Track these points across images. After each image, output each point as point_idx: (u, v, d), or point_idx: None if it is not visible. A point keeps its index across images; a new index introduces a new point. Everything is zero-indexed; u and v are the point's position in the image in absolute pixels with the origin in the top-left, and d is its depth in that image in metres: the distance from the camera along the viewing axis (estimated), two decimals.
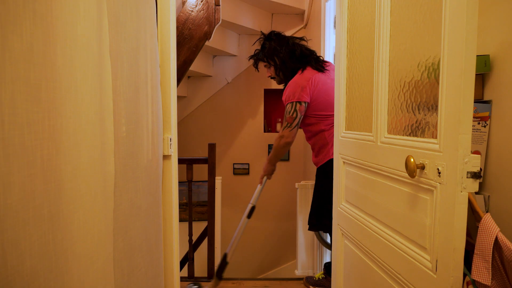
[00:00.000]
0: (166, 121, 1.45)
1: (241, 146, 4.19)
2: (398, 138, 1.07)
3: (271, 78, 2.17)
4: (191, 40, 2.50)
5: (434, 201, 0.88)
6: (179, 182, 1.56)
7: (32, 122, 0.63)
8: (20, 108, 0.61)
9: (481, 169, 1.15)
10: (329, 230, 2.07)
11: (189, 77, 4.02)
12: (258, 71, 2.27)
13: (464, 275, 0.92)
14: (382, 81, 1.14)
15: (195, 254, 2.46)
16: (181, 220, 1.97)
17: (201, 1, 2.49)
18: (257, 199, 2.22)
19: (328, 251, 2.51)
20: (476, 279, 0.89)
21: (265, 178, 2.22)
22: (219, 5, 2.52)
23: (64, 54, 0.72)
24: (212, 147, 2.35)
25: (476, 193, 1.14)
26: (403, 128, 1.05)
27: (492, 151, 1.14)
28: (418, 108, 0.98)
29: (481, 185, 1.17)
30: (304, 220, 2.48)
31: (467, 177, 0.79)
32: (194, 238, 2.49)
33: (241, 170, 4.20)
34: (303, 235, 2.53)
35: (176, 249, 1.52)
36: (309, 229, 2.13)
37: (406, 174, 0.96)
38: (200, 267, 2.84)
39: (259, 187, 2.23)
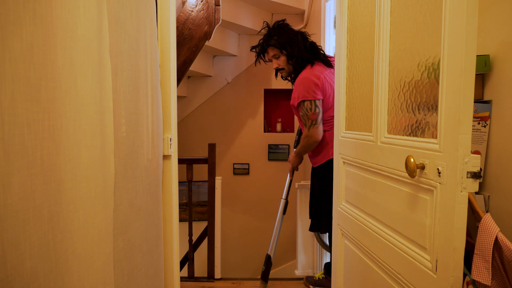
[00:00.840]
0: (166, 121, 1.45)
1: (241, 146, 4.19)
2: (398, 138, 1.07)
3: (279, 70, 2.05)
4: (191, 40, 2.50)
5: (434, 201, 0.88)
6: (179, 182, 1.56)
7: (32, 122, 0.63)
8: (20, 108, 0.61)
9: (481, 169, 1.15)
10: (327, 231, 2.07)
11: (189, 77, 4.02)
12: (260, 63, 2.14)
13: (464, 275, 0.92)
14: (382, 81, 1.14)
15: (195, 254, 2.46)
16: (181, 220, 1.96)
17: (201, 1, 2.49)
18: (289, 193, 2.26)
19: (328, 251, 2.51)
20: (476, 279, 0.89)
21: (293, 170, 2.22)
22: (219, 5, 2.52)
23: (64, 54, 0.72)
24: (212, 147, 2.35)
25: (476, 193, 1.14)
26: (403, 128, 1.05)
27: (492, 151, 1.14)
28: (418, 108, 0.98)
29: (481, 185, 1.17)
30: (304, 220, 2.48)
31: (467, 177, 0.79)
32: (194, 238, 2.49)
33: (241, 170, 4.20)
34: (303, 235, 2.53)
35: (176, 249, 1.52)
36: (310, 229, 2.13)
37: (406, 174, 0.96)
38: (200, 267, 2.84)
39: (289, 179, 2.24)
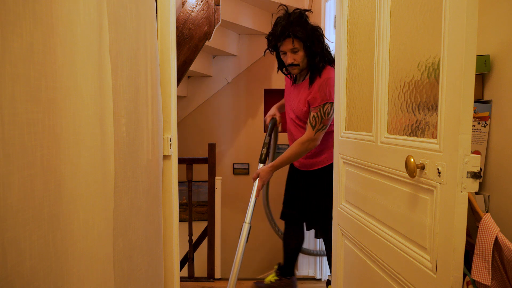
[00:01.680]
0: (166, 121, 1.45)
1: (241, 146, 4.18)
2: (398, 138, 1.07)
3: (292, 65, 1.81)
4: (191, 40, 2.50)
5: (434, 201, 0.88)
6: (179, 182, 1.56)
7: (32, 122, 0.63)
8: (20, 108, 0.61)
9: (481, 169, 1.15)
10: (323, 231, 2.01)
11: (189, 77, 4.02)
12: (272, 54, 1.88)
13: (464, 275, 0.92)
14: (382, 81, 1.14)
15: (195, 254, 2.46)
16: (181, 220, 1.92)
17: (201, 1, 2.49)
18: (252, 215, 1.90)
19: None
20: (476, 279, 0.89)
21: (262, 188, 1.90)
22: (219, 5, 2.52)
23: (64, 54, 0.72)
24: (212, 147, 2.35)
25: (476, 193, 1.14)
26: (403, 128, 1.05)
27: (492, 151, 1.14)
28: (418, 108, 0.98)
29: (481, 185, 1.17)
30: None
31: (467, 177, 0.79)
32: (194, 238, 2.49)
33: (241, 170, 4.20)
34: None
35: (176, 249, 1.52)
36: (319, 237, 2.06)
37: (406, 174, 0.95)
38: (200, 267, 2.84)
39: (254, 199, 1.87)
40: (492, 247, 0.87)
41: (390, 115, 1.12)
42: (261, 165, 1.97)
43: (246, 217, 1.87)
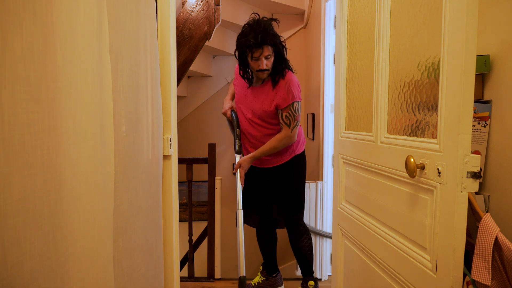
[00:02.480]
0: (166, 121, 1.45)
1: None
2: (398, 138, 1.07)
3: (263, 71, 1.88)
4: (191, 40, 2.50)
5: (434, 201, 0.88)
6: (179, 182, 1.56)
7: (32, 122, 0.63)
8: (20, 108, 0.61)
9: (481, 169, 1.15)
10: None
11: (189, 77, 4.02)
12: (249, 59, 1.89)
13: (464, 275, 0.92)
14: (382, 81, 1.14)
15: (195, 254, 2.46)
16: (181, 220, 1.94)
17: (201, 1, 2.49)
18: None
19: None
20: (476, 279, 0.89)
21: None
22: (219, 5, 2.52)
23: (64, 54, 0.72)
24: (212, 147, 2.35)
25: (476, 193, 1.14)
26: (403, 128, 1.05)
27: (492, 151, 1.14)
28: (418, 108, 0.98)
29: (481, 185, 1.17)
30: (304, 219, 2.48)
31: (467, 177, 0.80)
32: (194, 238, 2.49)
33: None
34: None
35: (176, 249, 1.52)
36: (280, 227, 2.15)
37: (406, 174, 0.96)
38: (200, 267, 2.84)
39: (240, 188, 2.01)
40: (492, 247, 0.87)
41: (390, 115, 1.12)
42: (238, 156, 2.09)
43: (238, 204, 2.02)
